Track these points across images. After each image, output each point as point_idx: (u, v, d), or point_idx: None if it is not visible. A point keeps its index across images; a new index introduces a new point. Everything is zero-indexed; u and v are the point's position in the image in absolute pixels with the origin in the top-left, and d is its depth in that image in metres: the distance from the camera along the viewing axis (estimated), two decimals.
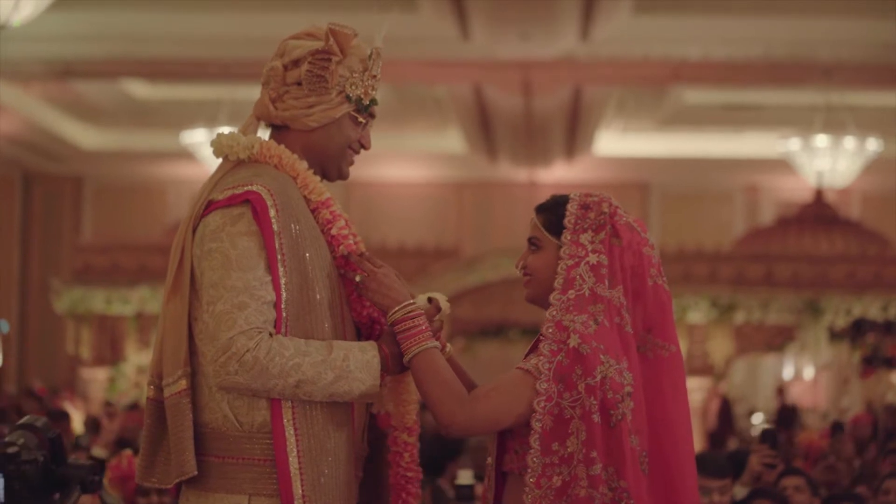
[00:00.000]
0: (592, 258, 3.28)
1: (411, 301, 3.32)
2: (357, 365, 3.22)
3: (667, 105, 17.76)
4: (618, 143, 19.44)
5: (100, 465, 2.74)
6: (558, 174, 19.91)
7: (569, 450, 3.14)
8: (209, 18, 14.17)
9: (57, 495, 2.42)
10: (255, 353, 3.12)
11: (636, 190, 20.89)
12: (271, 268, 3.20)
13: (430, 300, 3.42)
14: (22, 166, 20.76)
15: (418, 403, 3.52)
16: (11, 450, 2.34)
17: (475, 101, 16.75)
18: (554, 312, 3.25)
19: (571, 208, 3.34)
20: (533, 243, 3.40)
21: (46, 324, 20.36)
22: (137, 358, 17.23)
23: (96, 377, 17.32)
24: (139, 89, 17.52)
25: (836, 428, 9.44)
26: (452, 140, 19.24)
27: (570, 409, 3.15)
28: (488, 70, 15.17)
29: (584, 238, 3.30)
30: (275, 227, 3.21)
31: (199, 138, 16.57)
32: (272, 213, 3.21)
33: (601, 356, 3.17)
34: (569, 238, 3.31)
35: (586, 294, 3.25)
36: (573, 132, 18.23)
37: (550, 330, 3.23)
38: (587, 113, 17.21)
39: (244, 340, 3.13)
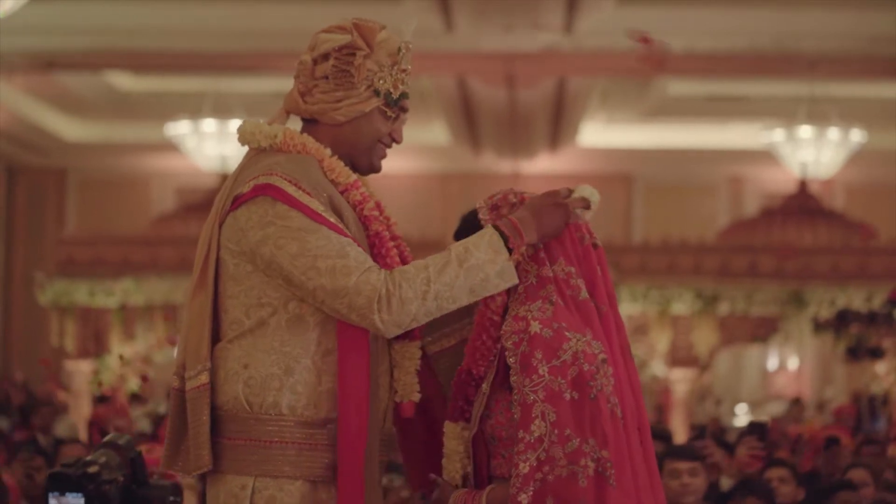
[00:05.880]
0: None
1: None
2: (477, 247, 3.21)
3: (651, 96, 17.77)
4: (602, 134, 19.45)
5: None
6: (542, 166, 19.91)
7: (535, 434, 3.13)
8: (193, 10, 14.12)
9: None
10: (387, 286, 3.14)
11: (620, 181, 20.89)
12: (330, 227, 3.21)
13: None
14: (5, 159, 20.69)
15: None
16: (92, 469, 2.30)
17: (459, 93, 16.74)
18: (509, 308, 3.29)
19: (483, 215, 3.36)
20: None
21: (30, 316, 20.31)
22: (122, 350, 17.19)
23: (80, 369, 17.29)
24: (123, 81, 17.47)
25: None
26: (437, 132, 19.22)
27: (531, 394, 3.14)
28: (472, 62, 15.17)
29: None
30: (311, 204, 3.21)
31: (182, 130, 16.53)
32: (300, 194, 3.22)
33: (566, 333, 3.18)
34: None
35: (533, 282, 3.27)
36: (557, 124, 18.23)
37: (509, 325, 3.25)
38: (571, 104, 17.21)
39: (369, 277, 3.14)
